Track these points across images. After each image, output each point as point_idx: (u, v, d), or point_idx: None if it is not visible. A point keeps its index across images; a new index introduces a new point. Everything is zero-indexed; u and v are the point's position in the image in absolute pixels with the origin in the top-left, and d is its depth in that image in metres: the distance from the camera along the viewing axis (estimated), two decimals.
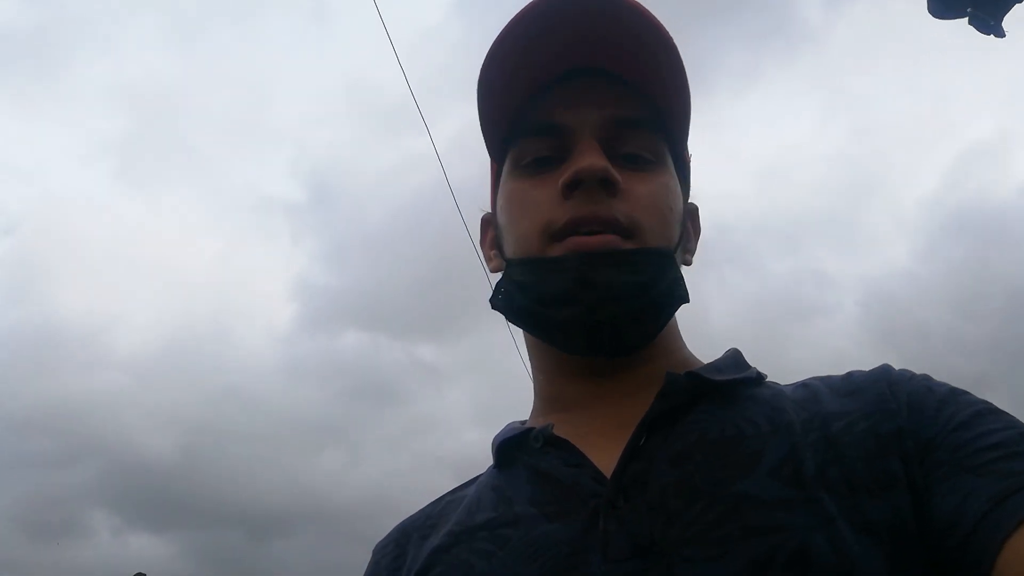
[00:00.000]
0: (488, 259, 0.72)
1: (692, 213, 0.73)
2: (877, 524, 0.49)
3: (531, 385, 0.70)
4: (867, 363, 0.64)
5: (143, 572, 9.68)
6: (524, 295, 0.62)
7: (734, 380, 0.61)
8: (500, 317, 0.65)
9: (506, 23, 0.62)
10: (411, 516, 0.69)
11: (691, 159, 0.71)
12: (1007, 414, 0.52)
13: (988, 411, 0.52)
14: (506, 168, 0.67)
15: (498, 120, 0.67)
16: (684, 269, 0.67)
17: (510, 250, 0.65)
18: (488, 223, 0.74)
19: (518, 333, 0.69)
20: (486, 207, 0.75)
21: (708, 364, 0.65)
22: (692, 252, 0.71)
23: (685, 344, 0.69)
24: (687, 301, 0.63)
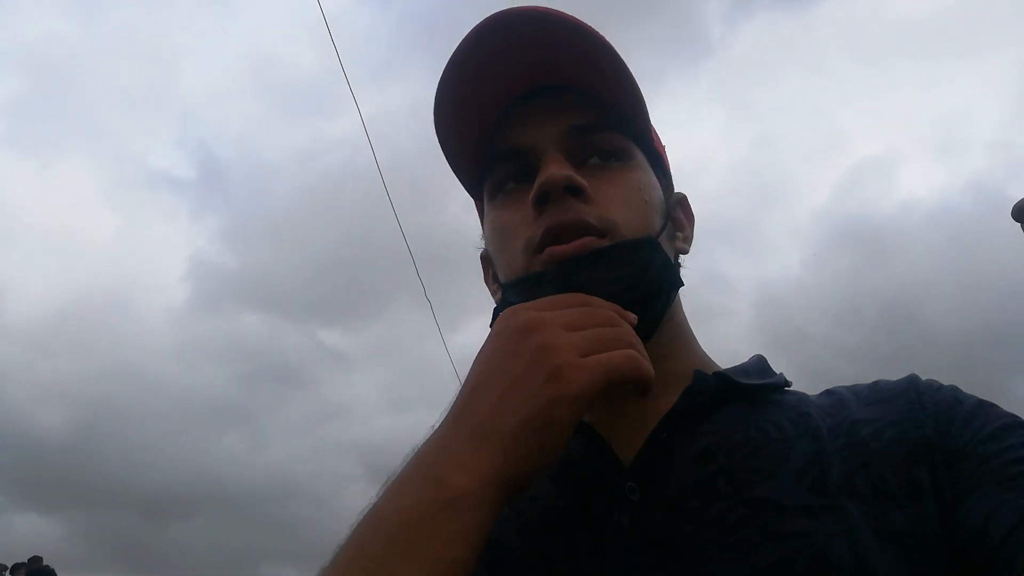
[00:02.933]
0: (492, 292, 0.73)
1: (680, 201, 0.73)
2: (902, 533, 0.49)
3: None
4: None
5: (39, 556, 9.15)
6: None
7: (762, 384, 0.62)
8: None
9: (442, 71, 0.63)
10: None
11: (664, 149, 0.71)
12: None
13: (1017, 424, 0.52)
14: (484, 201, 0.69)
15: (465, 162, 0.68)
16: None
17: (503, 276, 0.66)
18: (487, 260, 0.74)
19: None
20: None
21: (735, 367, 0.66)
22: (688, 240, 0.71)
23: (700, 345, 0.69)
24: (681, 285, 0.64)
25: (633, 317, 0.54)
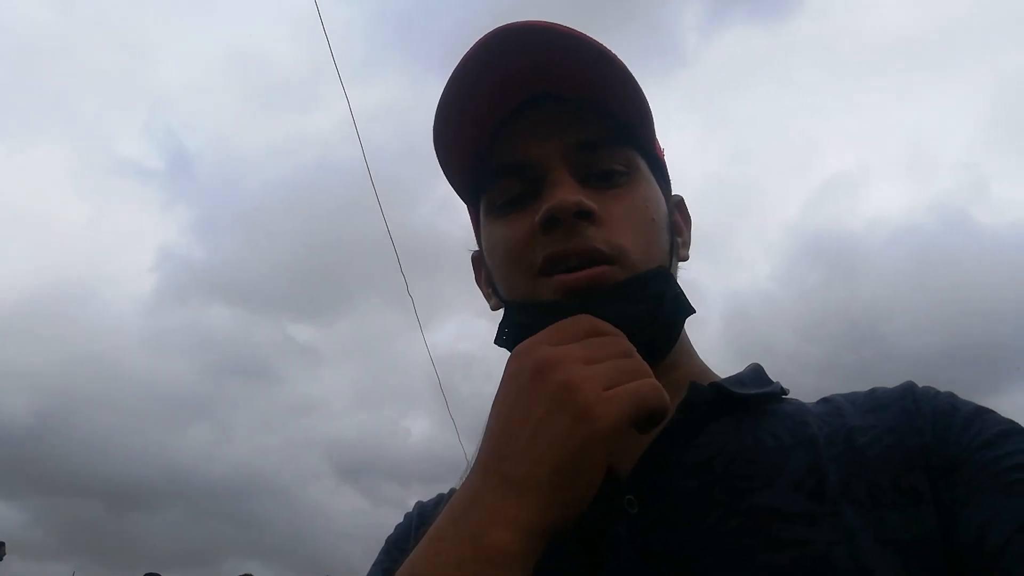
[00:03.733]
0: (487, 297, 0.73)
1: (678, 205, 0.73)
2: (901, 539, 0.49)
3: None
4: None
5: (1, 540, 8.98)
6: (528, 336, 0.59)
7: (758, 395, 0.62)
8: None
9: (449, 75, 0.61)
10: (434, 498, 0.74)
11: (663, 152, 0.71)
12: None
13: (1015, 431, 0.52)
14: (482, 211, 0.67)
15: (460, 167, 0.66)
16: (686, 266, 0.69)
17: (503, 292, 0.65)
18: (479, 261, 0.74)
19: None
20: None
21: (731, 377, 0.66)
22: (687, 244, 0.71)
23: (698, 354, 0.68)
24: (693, 312, 0.63)
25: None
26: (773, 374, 0.68)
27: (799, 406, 0.63)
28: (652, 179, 0.66)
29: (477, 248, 0.74)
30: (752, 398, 0.62)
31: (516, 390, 0.48)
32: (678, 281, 0.64)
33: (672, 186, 0.72)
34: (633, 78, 0.61)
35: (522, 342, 0.52)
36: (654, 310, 0.59)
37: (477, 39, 0.60)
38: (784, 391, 0.66)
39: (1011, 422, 0.53)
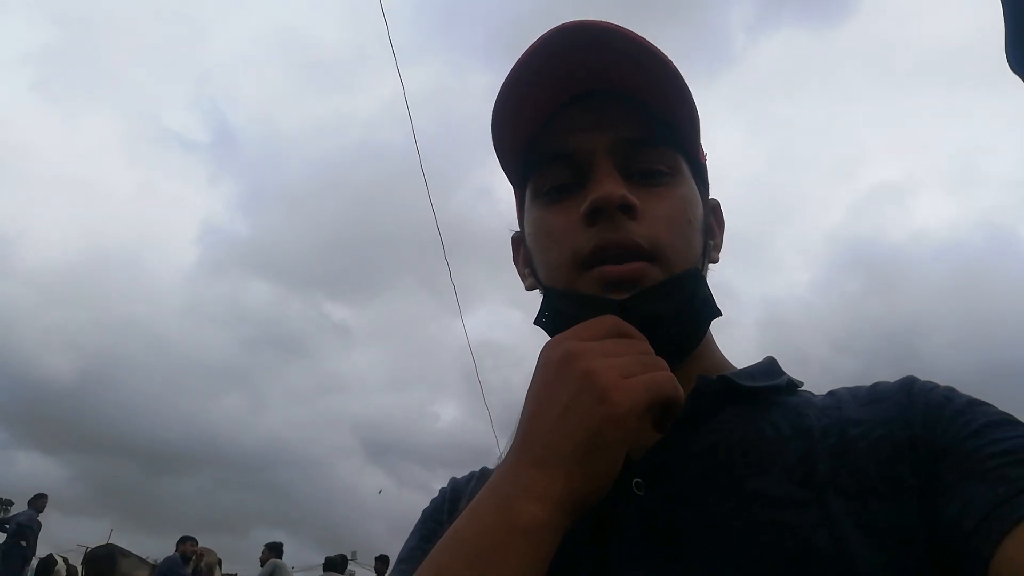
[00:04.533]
0: (523, 276, 0.76)
1: (714, 209, 0.75)
2: (883, 526, 0.52)
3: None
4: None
5: (44, 493, 9.41)
6: (567, 322, 0.62)
7: (764, 387, 0.65)
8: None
9: (514, 63, 0.65)
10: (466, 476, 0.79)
11: (707, 157, 0.73)
12: (1020, 424, 0.53)
13: (1005, 421, 0.54)
14: (528, 195, 0.70)
15: (514, 151, 0.70)
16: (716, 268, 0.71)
17: (543, 276, 0.68)
18: (518, 242, 0.77)
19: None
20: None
21: (741, 370, 0.69)
22: (719, 248, 0.74)
23: (718, 348, 0.72)
24: (719, 315, 0.66)
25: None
26: (807, 383, 0.70)
27: (805, 399, 0.66)
28: (692, 182, 0.69)
29: (518, 230, 0.76)
30: (759, 390, 0.65)
31: (545, 378, 0.54)
32: (708, 283, 0.67)
33: (711, 190, 0.74)
34: (685, 84, 0.64)
35: (552, 337, 0.57)
36: (684, 310, 0.63)
37: (542, 33, 0.64)
38: (795, 384, 0.68)
39: (1002, 413, 0.55)
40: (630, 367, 0.52)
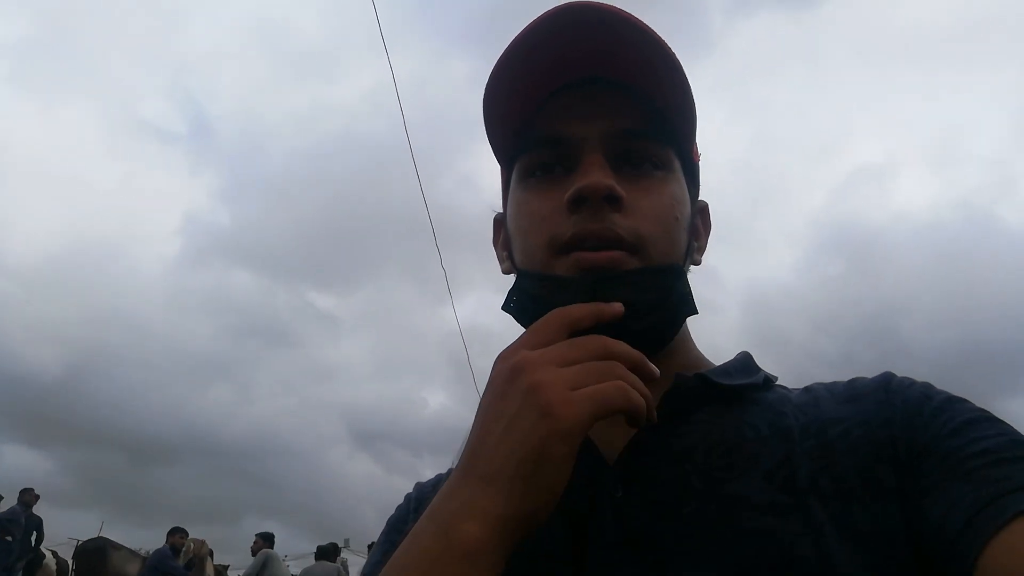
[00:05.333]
0: (500, 259, 0.74)
1: (702, 211, 0.74)
2: (865, 531, 0.51)
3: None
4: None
5: (30, 487, 9.38)
6: (536, 306, 0.62)
7: (742, 385, 0.64)
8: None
9: (511, 40, 0.63)
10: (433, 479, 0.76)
11: (700, 157, 0.72)
12: (1002, 422, 0.53)
13: (983, 419, 0.53)
14: (514, 177, 0.68)
15: (504, 130, 0.68)
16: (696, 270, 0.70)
17: (519, 259, 0.67)
18: (500, 224, 0.76)
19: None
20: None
21: (718, 367, 0.67)
22: (702, 251, 0.73)
23: (695, 344, 0.70)
24: (695, 313, 0.64)
25: (638, 355, 0.54)
26: (786, 365, 0.71)
27: (782, 395, 0.64)
28: (683, 180, 0.67)
29: (501, 211, 0.75)
30: (737, 388, 0.63)
31: (493, 392, 0.52)
32: (688, 281, 0.65)
33: (701, 191, 0.73)
34: (686, 78, 0.63)
35: (503, 349, 0.55)
36: (659, 302, 0.60)
37: (545, 10, 0.61)
38: (771, 380, 0.67)
39: (981, 410, 0.54)
40: (580, 378, 0.49)
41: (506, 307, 0.67)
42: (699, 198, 0.72)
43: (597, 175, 0.60)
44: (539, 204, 0.64)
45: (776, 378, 0.68)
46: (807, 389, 0.65)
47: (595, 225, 0.59)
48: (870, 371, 0.64)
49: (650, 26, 0.61)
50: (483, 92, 0.66)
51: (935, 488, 0.50)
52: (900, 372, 0.62)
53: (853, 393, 0.61)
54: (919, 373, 0.61)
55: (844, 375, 0.65)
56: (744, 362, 0.68)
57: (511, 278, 0.70)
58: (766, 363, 0.70)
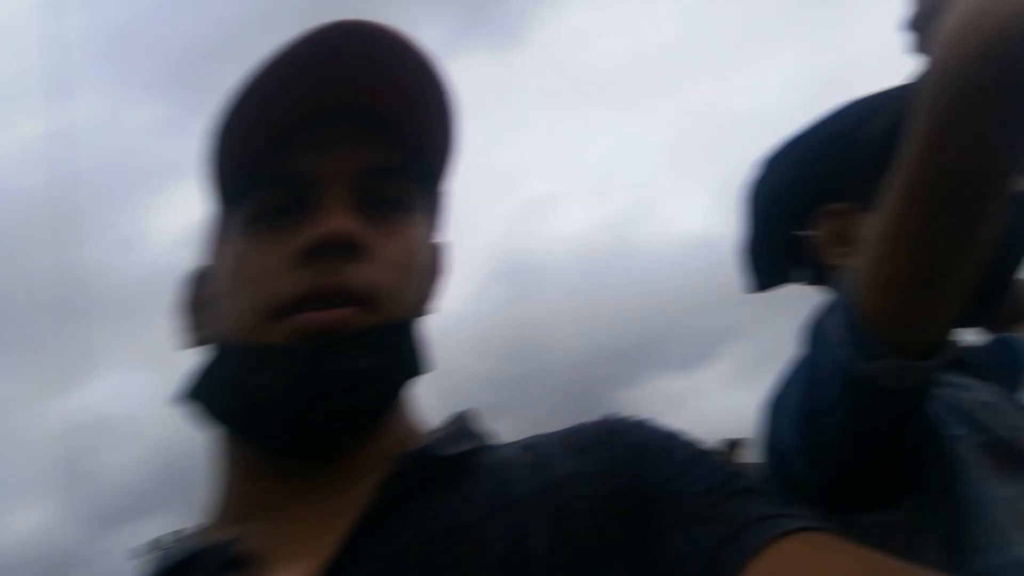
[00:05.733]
0: (191, 327, 0.60)
1: (442, 252, 0.64)
2: None
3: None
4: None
5: None
6: (230, 393, 0.53)
7: (464, 453, 0.55)
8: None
9: (256, 64, 0.52)
10: None
11: (450, 194, 0.63)
12: (711, 455, 0.52)
13: (699, 456, 0.52)
14: (233, 224, 0.56)
15: (231, 167, 0.55)
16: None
17: (222, 326, 0.55)
18: (198, 280, 0.61)
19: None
20: None
21: (439, 436, 0.57)
22: (439, 295, 0.63)
23: (415, 410, 0.60)
24: (426, 371, 0.57)
25: None
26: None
27: (503, 459, 0.56)
28: (429, 221, 0.60)
29: (203, 265, 0.61)
30: (459, 459, 0.54)
31: None
32: (419, 335, 0.58)
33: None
34: (454, 106, 0.55)
35: None
36: (381, 366, 0.53)
37: (302, 31, 0.51)
38: (490, 440, 0.59)
39: (695, 447, 0.53)
40: None
41: (185, 394, 0.56)
42: (441, 235, 0.64)
43: (340, 219, 0.50)
44: (260, 258, 0.52)
45: (497, 435, 0.60)
46: (531, 446, 0.57)
47: (328, 279, 0.50)
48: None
49: (419, 45, 0.53)
50: (212, 124, 0.54)
51: (666, 533, 0.46)
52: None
53: (581, 443, 0.55)
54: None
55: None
56: (462, 424, 0.59)
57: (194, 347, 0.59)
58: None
